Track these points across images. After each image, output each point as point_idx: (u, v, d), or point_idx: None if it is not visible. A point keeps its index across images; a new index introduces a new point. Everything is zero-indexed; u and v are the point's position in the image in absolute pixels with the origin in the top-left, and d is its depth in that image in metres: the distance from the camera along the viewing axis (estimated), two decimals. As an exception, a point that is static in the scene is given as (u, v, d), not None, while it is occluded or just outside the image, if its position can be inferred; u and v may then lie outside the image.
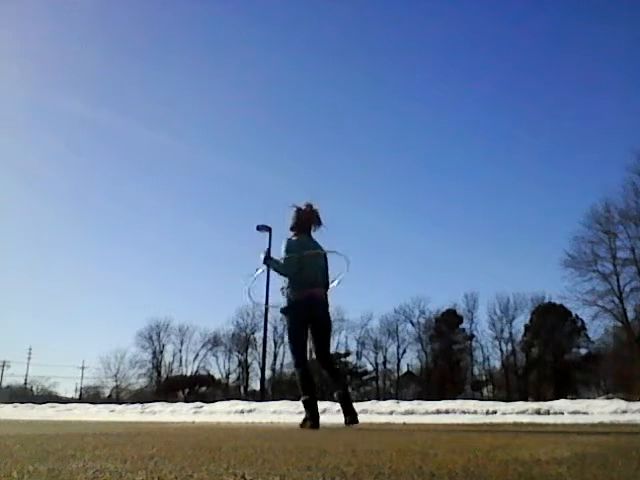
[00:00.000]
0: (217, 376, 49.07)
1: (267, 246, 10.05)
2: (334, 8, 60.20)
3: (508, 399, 21.98)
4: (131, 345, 56.25)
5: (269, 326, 34.04)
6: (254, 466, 1.53)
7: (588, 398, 19.12)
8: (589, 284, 30.17)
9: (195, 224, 65.63)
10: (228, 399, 17.90)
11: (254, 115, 66.79)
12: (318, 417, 4.24)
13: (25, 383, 54.44)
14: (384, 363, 47.03)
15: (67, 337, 67.73)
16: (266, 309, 19.92)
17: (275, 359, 44.96)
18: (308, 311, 4.39)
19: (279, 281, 4.56)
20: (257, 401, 14.67)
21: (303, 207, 4.62)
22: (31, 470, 1.44)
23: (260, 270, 4.73)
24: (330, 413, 9.07)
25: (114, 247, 66.54)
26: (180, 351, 48.71)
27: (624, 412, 7.86)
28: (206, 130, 66.46)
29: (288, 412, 9.61)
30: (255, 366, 45.81)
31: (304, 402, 4.28)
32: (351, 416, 4.29)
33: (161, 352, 48.58)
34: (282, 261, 4.43)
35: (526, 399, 29.46)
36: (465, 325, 45.62)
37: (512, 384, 42.44)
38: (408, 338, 46.28)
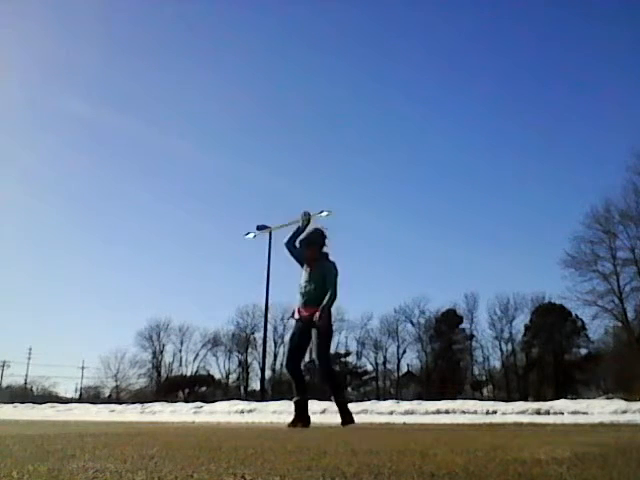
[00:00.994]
0: (217, 376, 49.15)
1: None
2: (334, 8, 60.24)
3: (508, 399, 22.00)
4: (131, 345, 56.02)
5: (269, 326, 34.05)
6: (254, 466, 1.53)
7: (588, 398, 19.13)
8: (589, 284, 30.26)
9: (195, 224, 65.66)
10: (228, 399, 17.93)
11: (254, 115, 66.93)
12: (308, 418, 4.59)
13: (25, 383, 54.51)
14: (384, 363, 47.07)
15: (67, 337, 67.64)
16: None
17: (275, 359, 44.94)
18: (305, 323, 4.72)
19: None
20: (257, 401, 14.68)
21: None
22: (31, 470, 1.44)
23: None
24: (330, 413, 9.07)
25: (114, 247, 66.59)
26: (180, 351, 48.79)
27: (624, 412, 7.87)
28: (206, 130, 66.51)
29: (288, 412, 9.58)
30: (255, 366, 45.88)
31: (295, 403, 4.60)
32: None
33: (161, 352, 48.63)
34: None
35: (526, 399, 29.47)
36: (465, 325, 45.70)
37: (512, 384, 42.43)
38: (408, 338, 46.35)
